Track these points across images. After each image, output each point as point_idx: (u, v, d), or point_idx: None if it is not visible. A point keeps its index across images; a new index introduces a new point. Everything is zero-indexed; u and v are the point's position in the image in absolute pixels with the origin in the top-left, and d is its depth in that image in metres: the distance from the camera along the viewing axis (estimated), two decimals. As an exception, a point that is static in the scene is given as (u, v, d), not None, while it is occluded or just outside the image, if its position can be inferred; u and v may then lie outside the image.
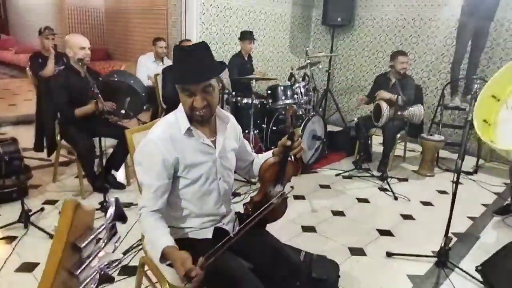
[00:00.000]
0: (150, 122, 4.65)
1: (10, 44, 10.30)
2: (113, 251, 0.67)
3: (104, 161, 3.04)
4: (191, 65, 1.46)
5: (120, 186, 3.45)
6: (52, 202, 3.14)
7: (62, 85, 3.04)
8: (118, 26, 7.85)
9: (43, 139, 3.38)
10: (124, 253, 2.47)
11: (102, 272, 0.62)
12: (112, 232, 0.67)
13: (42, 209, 2.97)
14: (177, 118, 1.54)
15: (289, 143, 1.56)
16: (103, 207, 2.77)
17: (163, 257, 1.38)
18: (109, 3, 8.04)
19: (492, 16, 4.44)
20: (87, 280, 0.59)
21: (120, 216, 0.69)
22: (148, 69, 4.81)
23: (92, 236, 0.62)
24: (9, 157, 2.88)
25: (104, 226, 0.64)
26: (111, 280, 0.65)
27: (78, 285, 0.56)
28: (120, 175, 3.60)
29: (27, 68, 4.43)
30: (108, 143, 3.17)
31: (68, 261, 0.57)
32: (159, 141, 1.48)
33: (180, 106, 1.55)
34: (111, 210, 0.67)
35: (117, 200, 0.71)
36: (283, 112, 4.20)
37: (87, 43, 3.08)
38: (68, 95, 3.03)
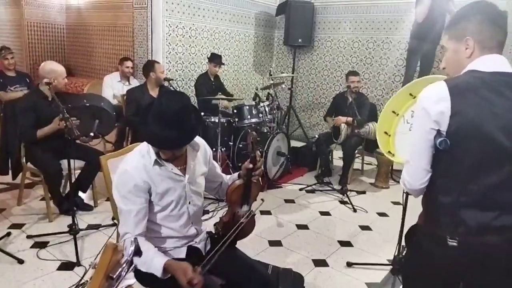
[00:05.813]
0: (115, 141, 4.63)
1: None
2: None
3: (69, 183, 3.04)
4: (172, 132, 1.50)
5: (88, 208, 3.46)
6: (18, 226, 3.10)
7: (29, 108, 3.05)
8: (80, 43, 7.75)
9: (8, 162, 3.34)
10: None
11: None
12: (131, 264, 0.95)
13: (8, 234, 2.94)
14: (149, 148, 1.64)
15: (251, 166, 1.74)
16: (72, 230, 2.75)
17: (165, 272, 1.52)
18: (70, 19, 7.96)
19: (438, 40, 4.85)
20: None
21: (137, 252, 0.95)
22: (113, 88, 4.84)
23: (120, 269, 0.91)
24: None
25: (126, 260, 0.93)
26: None
27: None
28: (86, 196, 3.60)
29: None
30: (75, 165, 3.17)
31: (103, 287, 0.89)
32: (132, 170, 1.60)
33: None
34: (131, 248, 0.95)
35: (135, 239, 0.99)
36: (248, 131, 4.34)
37: None
38: (36, 118, 3.04)
